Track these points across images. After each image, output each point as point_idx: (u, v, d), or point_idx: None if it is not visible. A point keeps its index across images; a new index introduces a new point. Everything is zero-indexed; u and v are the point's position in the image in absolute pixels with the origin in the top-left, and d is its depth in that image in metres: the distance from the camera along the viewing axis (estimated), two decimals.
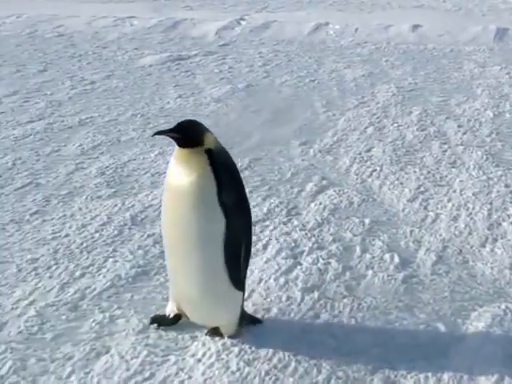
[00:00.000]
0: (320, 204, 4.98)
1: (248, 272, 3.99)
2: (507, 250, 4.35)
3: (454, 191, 5.22)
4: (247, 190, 5.13)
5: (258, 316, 3.61)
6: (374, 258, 4.25)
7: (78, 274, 4.03)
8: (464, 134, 6.47)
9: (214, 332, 3.44)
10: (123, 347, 3.37)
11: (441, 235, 4.54)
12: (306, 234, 4.54)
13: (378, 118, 6.99)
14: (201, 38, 10.66)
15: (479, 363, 3.30)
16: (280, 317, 3.64)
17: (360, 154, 5.98)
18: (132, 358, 3.29)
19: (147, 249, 4.32)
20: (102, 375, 3.19)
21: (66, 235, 4.52)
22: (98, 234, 4.52)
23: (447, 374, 3.23)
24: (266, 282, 3.95)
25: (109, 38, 10.66)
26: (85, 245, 4.38)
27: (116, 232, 4.55)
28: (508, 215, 4.83)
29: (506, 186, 5.30)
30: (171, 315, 3.49)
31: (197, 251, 3.21)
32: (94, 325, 3.55)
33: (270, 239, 4.45)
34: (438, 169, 5.65)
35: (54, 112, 7.11)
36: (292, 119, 6.92)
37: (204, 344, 3.39)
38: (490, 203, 5.01)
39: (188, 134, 3.18)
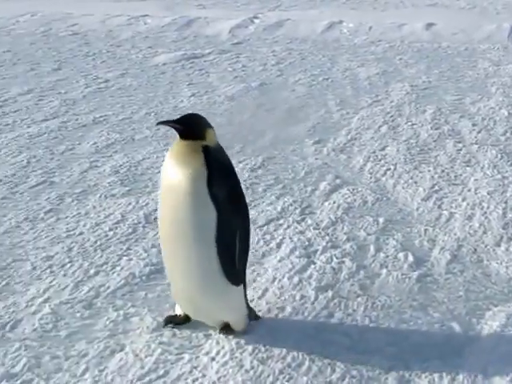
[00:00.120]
0: (334, 203, 4.97)
1: (261, 270, 4.04)
2: None
3: (469, 190, 5.19)
4: (261, 189, 5.20)
5: (272, 315, 3.61)
6: (388, 256, 4.23)
7: (92, 272, 4.05)
8: (478, 132, 6.44)
9: (226, 329, 3.43)
10: (137, 345, 3.38)
11: (455, 234, 4.52)
12: (320, 232, 4.53)
13: (391, 116, 6.97)
14: (214, 36, 10.67)
15: (494, 363, 3.28)
16: (294, 316, 3.63)
17: (374, 152, 5.97)
18: (146, 356, 3.30)
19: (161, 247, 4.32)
20: (116, 373, 3.19)
21: (81, 233, 4.53)
22: (112, 233, 4.53)
23: (462, 374, 3.21)
24: (279, 280, 3.94)
25: (123, 36, 10.68)
26: (99, 243, 4.40)
27: (130, 230, 4.57)
28: None
29: None
30: (182, 314, 3.50)
31: (189, 246, 3.21)
32: (108, 323, 3.56)
33: (283, 238, 4.45)
34: (452, 168, 5.62)
35: (69, 110, 7.14)
36: (305, 118, 6.91)
37: (218, 342, 3.39)
38: (505, 202, 4.98)
39: (190, 127, 3.24)
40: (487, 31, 10.53)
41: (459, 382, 3.17)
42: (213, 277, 3.26)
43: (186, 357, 3.30)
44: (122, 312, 3.64)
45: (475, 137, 6.32)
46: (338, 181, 5.35)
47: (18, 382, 3.14)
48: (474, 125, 6.64)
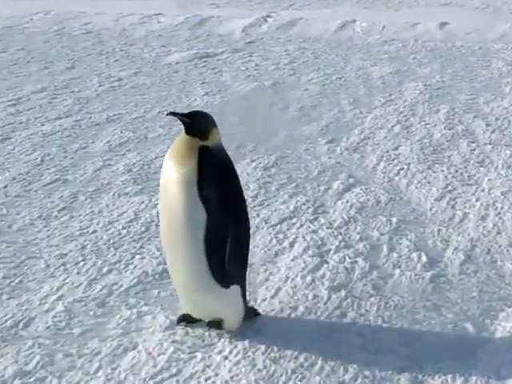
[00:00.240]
0: (347, 202, 4.96)
1: (274, 269, 4.03)
2: None
3: (483, 190, 5.17)
4: (274, 188, 5.19)
5: (284, 315, 3.61)
6: (401, 256, 4.22)
7: (105, 270, 4.06)
8: (492, 132, 6.42)
9: (214, 324, 3.43)
10: (150, 343, 3.38)
11: (469, 234, 4.50)
12: (333, 232, 4.52)
13: (405, 116, 6.95)
14: (227, 35, 10.67)
15: (507, 364, 3.27)
16: (306, 315, 3.63)
17: (387, 152, 5.95)
18: (159, 355, 3.30)
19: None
20: (129, 371, 3.20)
21: (94, 231, 4.54)
22: (125, 231, 4.54)
23: (475, 375, 3.20)
24: (292, 280, 3.94)
25: (136, 35, 10.70)
26: (112, 241, 4.41)
27: (143, 229, 4.57)
28: None
29: None
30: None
31: (180, 246, 3.26)
32: (121, 321, 3.57)
33: (296, 237, 4.45)
34: (465, 168, 5.60)
35: (82, 109, 7.16)
36: (318, 117, 6.90)
37: (231, 341, 3.39)
38: None
39: (198, 123, 3.29)
40: (501, 31, 10.49)
41: (472, 383, 3.16)
42: (201, 277, 3.28)
43: (199, 355, 3.30)
44: (134, 310, 3.65)
45: (489, 137, 6.30)
46: (351, 180, 5.34)
47: (32, 379, 3.15)
48: (487, 125, 6.61)
